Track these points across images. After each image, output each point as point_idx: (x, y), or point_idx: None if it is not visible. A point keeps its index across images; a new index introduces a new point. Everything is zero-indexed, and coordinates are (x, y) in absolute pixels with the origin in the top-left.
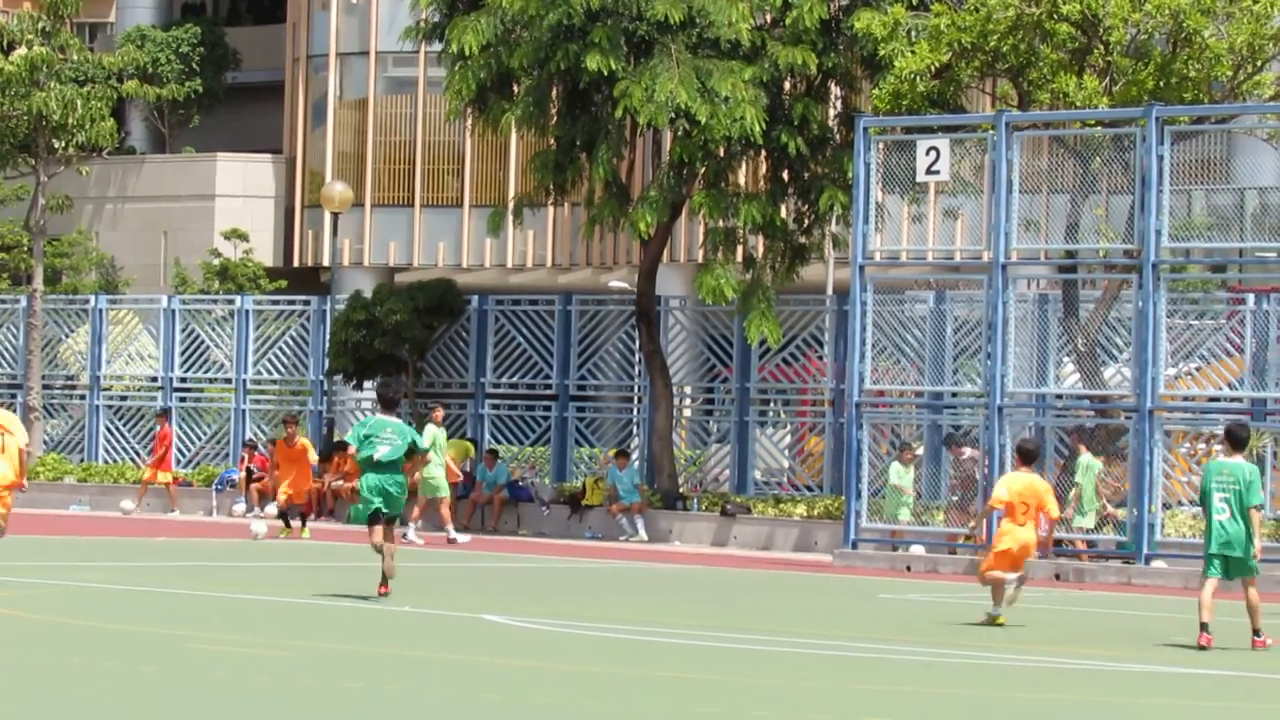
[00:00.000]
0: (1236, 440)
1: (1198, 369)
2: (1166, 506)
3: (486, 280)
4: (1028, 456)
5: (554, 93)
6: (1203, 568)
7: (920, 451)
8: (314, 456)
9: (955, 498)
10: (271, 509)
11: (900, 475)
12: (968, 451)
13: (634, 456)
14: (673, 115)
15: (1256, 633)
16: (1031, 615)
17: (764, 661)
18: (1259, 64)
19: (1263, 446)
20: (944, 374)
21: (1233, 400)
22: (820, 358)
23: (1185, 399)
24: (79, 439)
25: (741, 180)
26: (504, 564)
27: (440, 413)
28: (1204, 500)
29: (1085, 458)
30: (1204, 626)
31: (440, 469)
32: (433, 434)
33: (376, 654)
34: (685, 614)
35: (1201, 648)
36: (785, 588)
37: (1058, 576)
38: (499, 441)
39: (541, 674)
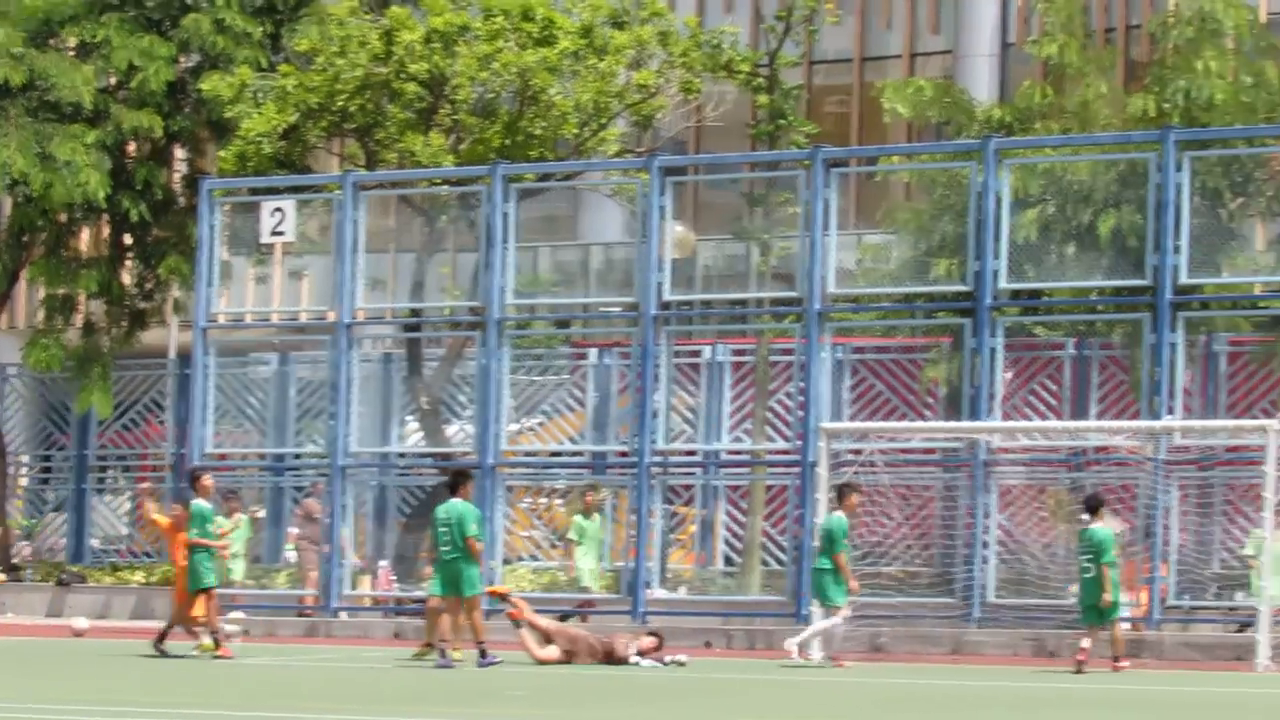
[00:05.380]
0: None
1: (540, 424)
2: (507, 561)
3: None
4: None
5: None
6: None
7: (262, 514)
8: None
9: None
10: None
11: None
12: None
13: None
14: (10, 181)
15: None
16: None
17: None
18: (604, 121)
19: (602, 500)
20: (287, 436)
21: (575, 454)
22: (161, 422)
23: (527, 454)
24: None
25: (84, 246)
26: None
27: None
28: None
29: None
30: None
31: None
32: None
33: None
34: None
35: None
36: (119, 655)
37: (397, 635)
38: None
39: None
